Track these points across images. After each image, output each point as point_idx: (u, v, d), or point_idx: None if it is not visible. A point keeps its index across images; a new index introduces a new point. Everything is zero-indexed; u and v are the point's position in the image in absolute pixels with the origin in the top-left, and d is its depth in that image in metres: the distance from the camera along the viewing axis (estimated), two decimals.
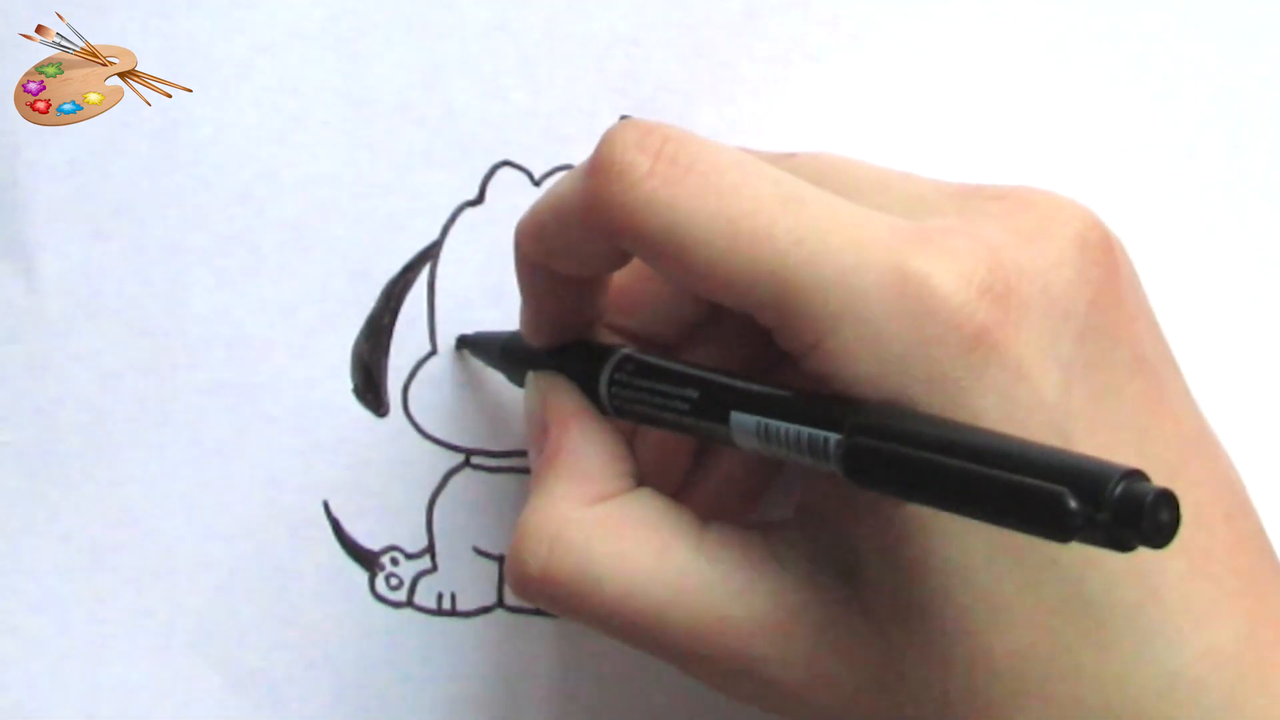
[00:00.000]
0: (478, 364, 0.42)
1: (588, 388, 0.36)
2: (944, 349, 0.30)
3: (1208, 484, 0.33)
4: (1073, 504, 0.26)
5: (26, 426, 0.41)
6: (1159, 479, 0.32)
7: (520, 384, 0.39)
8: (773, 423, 0.32)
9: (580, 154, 0.41)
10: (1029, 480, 0.27)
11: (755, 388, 0.33)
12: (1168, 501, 0.26)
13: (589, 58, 0.41)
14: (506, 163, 0.42)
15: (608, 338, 0.38)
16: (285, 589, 0.42)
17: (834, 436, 0.30)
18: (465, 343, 0.42)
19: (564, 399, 0.37)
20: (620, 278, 0.37)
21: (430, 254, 0.42)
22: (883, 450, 0.29)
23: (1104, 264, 0.33)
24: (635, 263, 0.35)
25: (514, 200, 0.42)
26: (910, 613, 0.32)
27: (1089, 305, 0.32)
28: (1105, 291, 0.32)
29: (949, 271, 0.30)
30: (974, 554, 0.31)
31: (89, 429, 0.41)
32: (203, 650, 0.42)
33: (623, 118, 0.41)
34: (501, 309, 0.42)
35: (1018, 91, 0.42)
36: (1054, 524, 0.26)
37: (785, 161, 0.35)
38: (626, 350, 0.36)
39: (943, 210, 0.33)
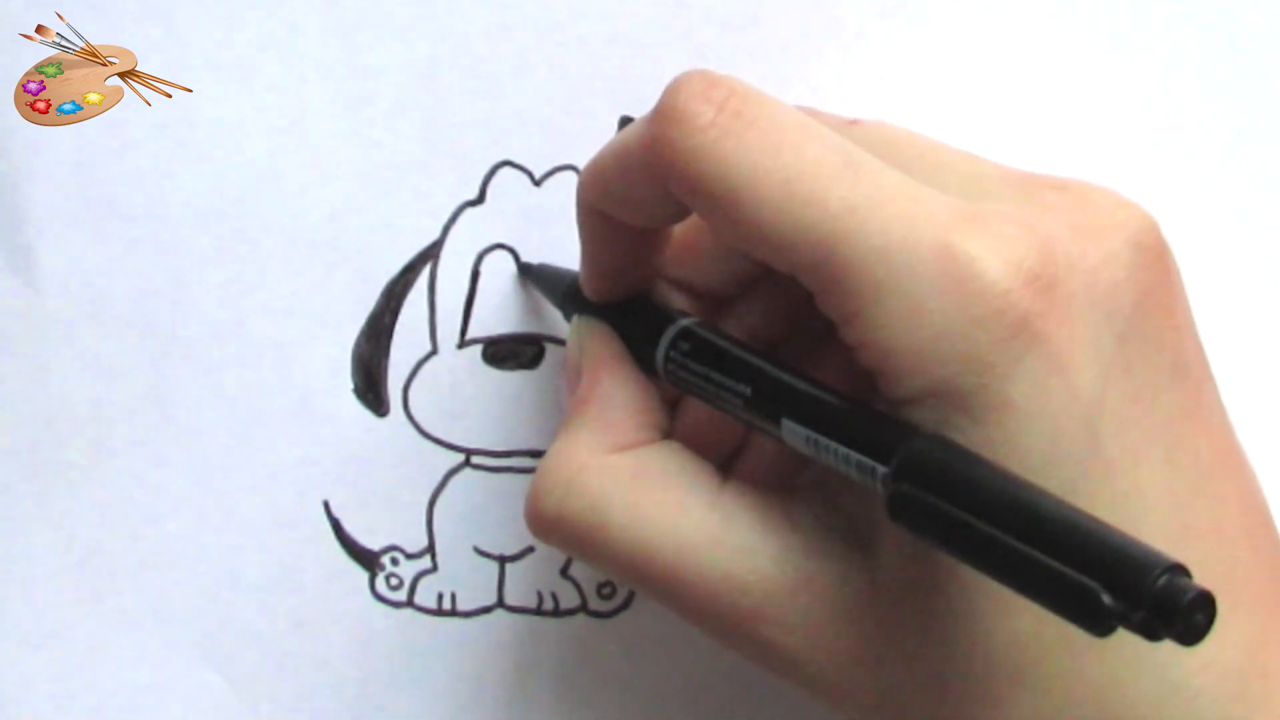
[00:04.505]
0: (478, 362, 0.42)
1: (643, 351, 0.36)
2: (984, 333, 0.30)
3: (1232, 500, 0.33)
4: (1107, 601, 0.26)
5: (26, 426, 0.41)
6: (1186, 490, 0.32)
7: None
8: (823, 438, 0.32)
9: (580, 154, 0.41)
10: (1067, 571, 0.27)
11: (810, 391, 0.33)
12: (1204, 603, 0.26)
13: (589, 58, 0.41)
14: (506, 163, 0.42)
15: (665, 292, 0.38)
16: (285, 589, 0.42)
17: (882, 469, 0.30)
18: (528, 272, 0.42)
19: (601, 347, 0.37)
20: (681, 230, 0.37)
21: (430, 254, 0.42)
22: (928, 504, 0.29)
23: (1156, 269, 0.32)
24: (695, 216, 0.35)
25: (514, 200, 0.42)
26: (917, 590, 0.32)
27: (1135, 307, 0.32)
28: (1154, 296, 0.32)
29: (998, 256, 0.30)
30: None
31: (89, 429, 0.41)
32: (203, 650, 0.42)
33: (623, 118, 0.41)
34: (502, 308, 0.42)
35: (1021, 93, 0.42)
36: (1087, 618, 0.26)
37: (848, 129, 0.35)
38: (685, 323, 0.36)
39: (1000, 195, 0.33)
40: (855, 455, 0.31)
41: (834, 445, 0.32)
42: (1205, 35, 0.42)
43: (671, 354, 0.36)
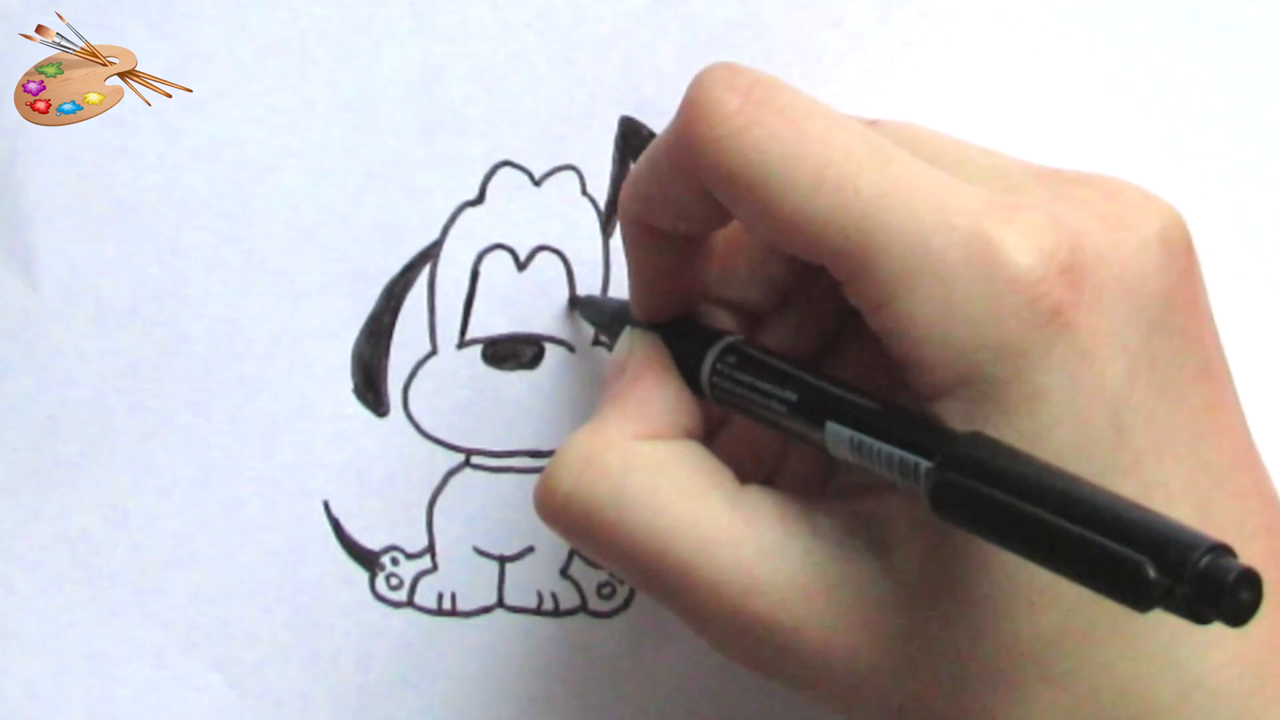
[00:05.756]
0: (478, 362, 0.42)
1: (688, 368, 0.36)
2: (1016, 320, 0.30)
3: (1252, 496, 0.33)
4: (1152, 574, 0.26)
5: (26, 425, 0.41)
6: (1208, 485, 0.32)
7: None
8: (866, 438, 0.32)
9: (580, 154, 0.41)
10: (1112, 545, 0.26)
11: (852, 397, 0.33)
12: (1250, 581, 0.26)
13: (589, 58, 0.41)
14: (506, 163, 0.42)
15: (710, 312, 0.38)
16: (285, 589, 0.42)
17: (925, 464, 0.30)
18: (578, 304, 0.42)
19: (649, 352, 0.37)
20: (724, 244, 0.37)
21: (430, 254, 0.42)
22: (971, 490, 0.29)
23: (1183, 263, 0.33)
24: (733, 230, 0.35)
25: (514, 200, 0.42)
26: (942, 590, 0.32)
27: (1163, 301, 0.32)
28: (1181, 291, 0.32)
29: (1030, 245, 0.31)
30: None
31: (89, 429, 0.41)
32: (203, 650, 0.42)
33: (623, 118, 0.41)
34: (502, 308, 0.42)
35: (1021, 92, 0.42)
36: (1133, 592, 0.26)
37: (869, 128, 0.35)
38: (731, 339, 0.36)
39: (1027, 189, 0.33)
40: (899, 453, 0.31)
41: (877, 445, 0.32)
42: (1197, 32, 0.43)
43: (718, 366, 0.36)
